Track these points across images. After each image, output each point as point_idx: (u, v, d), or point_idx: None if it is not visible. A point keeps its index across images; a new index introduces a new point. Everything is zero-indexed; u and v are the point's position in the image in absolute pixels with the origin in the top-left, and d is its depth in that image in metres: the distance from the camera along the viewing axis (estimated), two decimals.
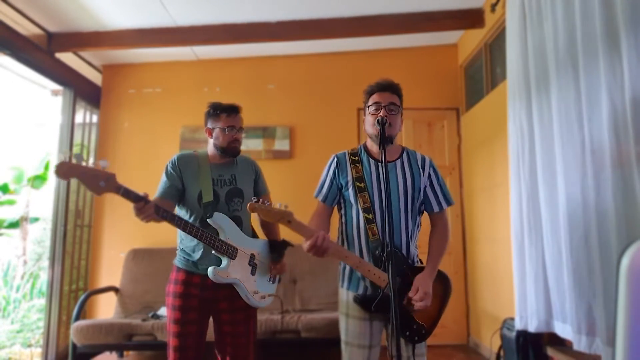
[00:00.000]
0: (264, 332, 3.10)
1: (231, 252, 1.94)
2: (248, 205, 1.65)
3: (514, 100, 2.80)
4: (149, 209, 1.74)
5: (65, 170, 1.60)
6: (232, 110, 2.06)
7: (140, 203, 1.73)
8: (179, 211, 2.06)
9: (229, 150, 2.05)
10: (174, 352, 1.92)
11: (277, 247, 2.10)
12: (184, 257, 2.02)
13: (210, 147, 2.09)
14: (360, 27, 3.73)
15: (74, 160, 1.62)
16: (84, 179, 1.65)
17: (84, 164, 1.65)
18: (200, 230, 1.88)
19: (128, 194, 1.73)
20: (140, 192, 1.75)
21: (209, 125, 2.07)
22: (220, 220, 1.94)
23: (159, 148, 4.16)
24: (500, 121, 3.19)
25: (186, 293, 1.96)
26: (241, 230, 2.01)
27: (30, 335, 4.46)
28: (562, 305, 2.31)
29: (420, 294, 1.65)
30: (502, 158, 3.18)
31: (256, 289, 2.02)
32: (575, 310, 2.14)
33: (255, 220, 2.15)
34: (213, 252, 1.92)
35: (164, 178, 2.03)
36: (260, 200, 1.63)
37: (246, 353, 2.04)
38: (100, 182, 1.67)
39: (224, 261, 1.93)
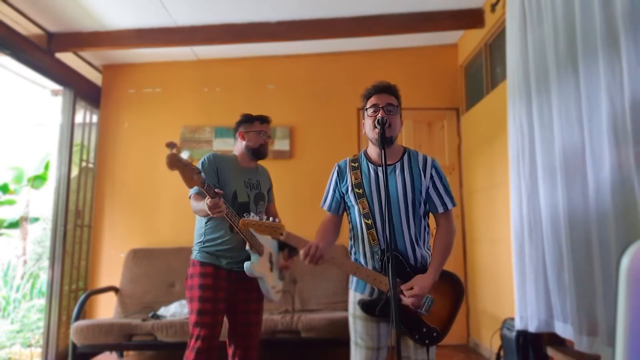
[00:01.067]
0: (264, 332, 3.07)
1: (261, 250, 2.13)
2: (240, 222, 1.76)
3: (514, 100, 2.80)
4: (220, 205, 1.86)
5: (174, 162, 1.75)
6: (265, 120, 2.29)
7: (216, 199, 1.85)
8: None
9: (259, 152, 2.24)
10: (202, 341, 2.00)
11: (288, 245, 2.19)
12: (208, 252, 2.14)
13: (239, 150, 2.27)
14: (360, 27, 3.73)
15: (182, 155, 1.80)
16: (185, 172, 1.78)
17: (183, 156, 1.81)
18: (244, 230, 2.01)
19: (208, 190, 1.87)
20: (215, 189, 1.89)
21: (243, 129, 2.25)
22: None
23: (159, 148, 4.13)
24: (500, 121, 3.19)
25: (215, 286, 2.09)
26: None
27: (30, 335, 4.46)
28: (562, 305, 2.31)
29: (413, 292, 1.64)
30: (502, 158, 3.18)
31: (275, 283, 2.23)
32: (576, 310, 2.14)
33: None
34: (247, 247, 2.08)
35: (202, 175, 2.09)
36: (251, 215, 1.74)
37: (257, 343, 2.21)
38: (195, 175, 1.82)
39: (254, 257, 2.09)
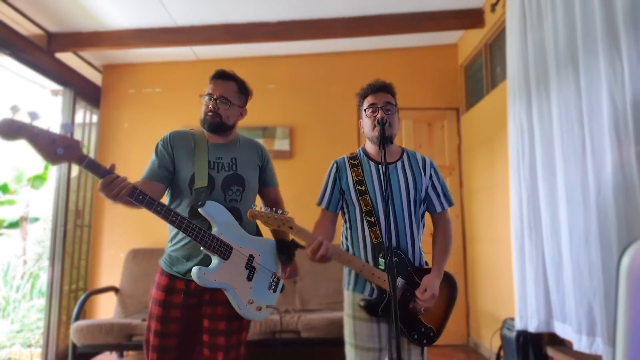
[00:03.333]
0: (264, 332, 3.10)
1: (223, 251, 1.64)
2: (248, 213, 1.58)
3: (514, 100, 2.80)
4: (118, 184, 1.45)
5: (10, 128, 1.32)
6: (215, 76, 1.80)
7: (109, 177, 1.45)
8: (168, 198, 1.78)
9: (204, 122, 1.76)
10: None
11: (286, 248, 1.82)
12: (169, 256, 1.74)
13: None
14: (360, 27, 3.73)
15: (26, 119, 1.34)
16: (37, 142, 1.36)
17: (38, 124, 1.37)
18: (186, 221, 1.58)
19: (94, 167, 1.46)
20: (107, 166, 1.50)
21: None
22: (213, 210, 1.64)
23: None
24: (500, 121, 3.19)
25: (167, 301, 1.68)
26: (240, 225, 1.72)
27: (30, 335, 4.46)
28: (562, 305, 2.31)
29: (427, 294, 1.65)
30: (502, 158, 3.18)
31: (251, 297, 1.70)
32: (576, 310, 2.14)
33: None
34: (201, 248, 1.62)
35: (152, 157, 1.76)
36: (260, 207, 1.60)
37: None
38: (58, 148, 1.39)
39: (215, 261, 1.63)
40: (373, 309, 1.67)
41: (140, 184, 1.67)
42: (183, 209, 1.70)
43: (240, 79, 1.87)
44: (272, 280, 1.80)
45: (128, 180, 1.49)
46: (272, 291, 1.79)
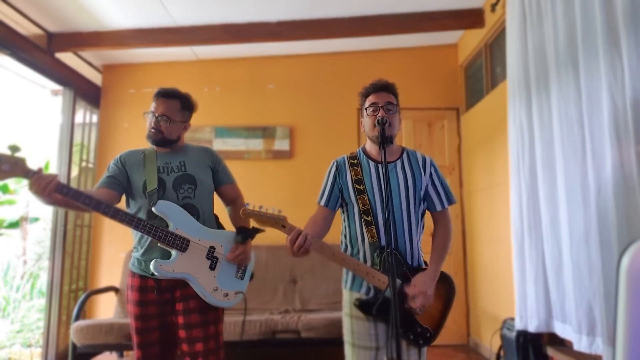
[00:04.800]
0: (264, 332, 3.09)
1: (180, 244, 1.74)
2: (241, 210, 1.61)
3: (514, 100, 2.80)
4: (45, 180, 1.54)
5: None
6: (158, 95, 1.89)
7: (34, 175, 1.55)
8: (129, 207, 1.90)
9: (148, 137, 1.89)
10: None
11: (243, 230, 1.90)
12: (136, 259, 1.85)
13: None
14: (360, 27, 3.73)
15: (7, 152, 1.53)
16: None
17: (18, 154, 1.55)
18: (135, 218, 1.71)
19: (35, 177, 1.56)
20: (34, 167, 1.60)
21: None
22: (166, 209, 1.76)
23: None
24: (500, 121, 3.19)
25: (143, 300, 1.80)
26: (197, 220, 1.84)
27: (30, 335, 4.46)
28: (562, 305, 2.31)
29: (415, 290, 1.64)
30: (502, 158, 3.18)
31: (216, 285, 1.80)
32: (576, 310, 2.14)
33: (222, 211, 2.06)
34: (159, 244, 1.73)
35: (105, 174, 1.90)
36: (254, 205, 1.62)
37: None
38: (4, 165, 1.52)
39: (173, 254, 1.74)
40: (368, 308, 1.67)
41: (96, 191, 1.81)
42: (140, 211, 1.83)
43: (184, 95, 1.96)
44: (239, 268, 1.89)
45: (56, 178, 1.58)
46: (239, 278, 1.89)
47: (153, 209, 1.75)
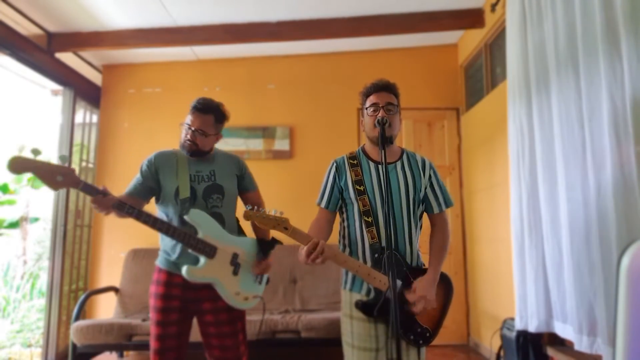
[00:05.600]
0: (264, 332, 3.09)
1: (208, 251, 1.88)
2: (243, 213, 1.65)
3: (514, 100, 2.79)
4: (107, 202, 1.74)
5: (17, 165, 1.62)
6: (196, 109, 1.97)
7: (98, 196, 1.74)
8: (159, 210, 2.01)
9: (183, 148, 2.00)
10: (154, 354, 1.89)
11: (263, 246, 2.04)
12: (165, 257, 1.97)
13: None
14: (360, 27, 3.73)
15: (30, 155, 1.65)
16: (40, 174, 1.66)
17: (40, 158, 1.66)
18: (172, 227, 1.85)
19: (88, 189, 1.74)
20: (100, 187, 1.77)
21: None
22: (197, 217, 1.89)
23: (159, 148, 4.11)
24: (500, 121, 3.19)
25: (167, 294, 1.92)
26: (223, 227, 1.96)
27: (30, 335, 4.46)
28: (562, 305, 2.31)
29: (416, 296, 1.65)
30: (502, 158, 3.18)
31: (239, 289, 1.95)
32: (576, 310, 2.14)
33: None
34: (189, 250, 1.87)
35: (137, 175, 2.00)
36: (255, 207, 1.64)
37: (236, 355, 1.97)
38: (57, 176, 1.68)
39: (201, 260, 1.88)
40: (369, 309, 1.67)
41: (126, 197, 1.93)
42: (173, 218, 1.94)
43: (219, 108, 2.04)
44: (257, 275, 2.04)
45: (114, 197, 1.77)
46: (258, 283, 2.04)
47: (186, 217, 1.87)
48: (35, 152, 1.67)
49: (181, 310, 1.93)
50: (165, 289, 1.93)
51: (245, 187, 2.14)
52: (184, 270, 1.83)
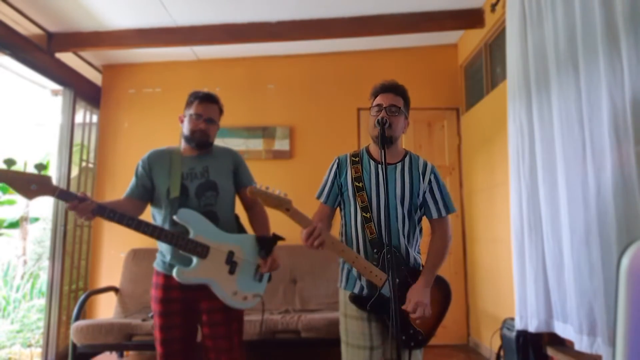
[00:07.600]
0: (264, 332, 3.09)
1: (200, 251, 1.81)
2: (248, 189, 1.62)
3: (514, 100, 2.79)
4: (85, 208, 1.68)
5: None
6: (204, 99, 1.95)
7: (74, 202, 1.67)
8: (152, 210, 1.98)
9: (193, 139, 1.93)
10: (161, 358, 1.87)
11: (265, 243, 1.96)
12: (161, 259, 1.93)
13: (182, 138, 2.01)
14: (360, 27, 3.73)
15: (3, 166, 1.62)
16: (13, 184, 1.61)
17: (15, 168, 1.62)
18: (158, 229, 1.79)
19: (64, 196, 1.68)
20: (79, 193, 1.72)
21: (183, 113, 2.00)
22: (187, 216, 1.83)
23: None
24: (500, 121, 3.19)
25: (167, 298, 1.88)
26: (217, 226, 1.89)
27: (30, 335, 4.46)
28: (562, 305, 2.31)
29: (419, 313, 1.65)
30: (502, 158, 3.18)
31: (236, 289, 1.87)
32: (576, 310, 2.14)
33: (243, 215, 2.10)
34: (180, 251, 1.81)
35: (133, 177, 1.97)
36: (261, 185, 1.63)
37: (230, 358, 1.91)
38: (32, 185, 1.63)
39: (194, 260, 1.82)
40: (362, 303, 1.67)
41: (123, 200, 1.93)
42: (165, 218, 1.89)
43: (219, 99, 2.05)
44: (257, 271, 1.94)
45: (94, 202, 1.71)
46: (258, 281, 1.95)
47: (174, 217, 1.82)
48: (9, 162, 1.63)
49: (184, 312, 1.89)
50: (163, 292, 1.89)
51: (241, 181, 2.05)
52: (175, 271, 1.78)
